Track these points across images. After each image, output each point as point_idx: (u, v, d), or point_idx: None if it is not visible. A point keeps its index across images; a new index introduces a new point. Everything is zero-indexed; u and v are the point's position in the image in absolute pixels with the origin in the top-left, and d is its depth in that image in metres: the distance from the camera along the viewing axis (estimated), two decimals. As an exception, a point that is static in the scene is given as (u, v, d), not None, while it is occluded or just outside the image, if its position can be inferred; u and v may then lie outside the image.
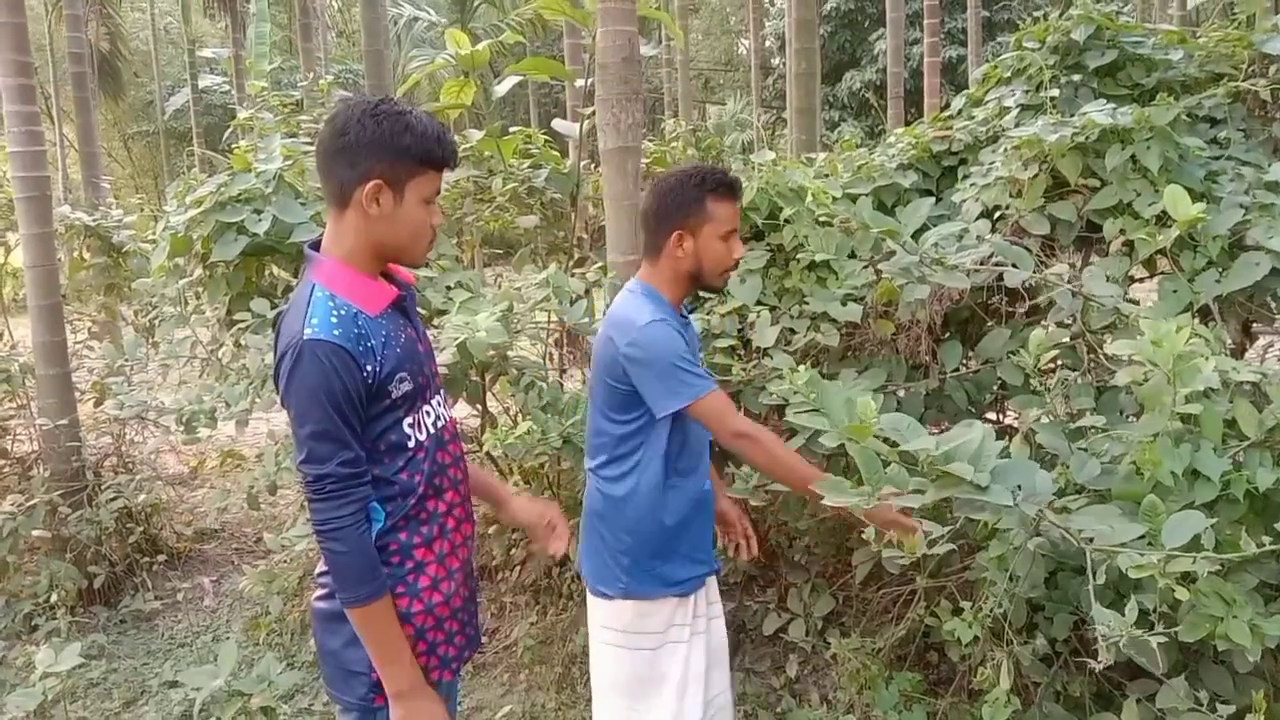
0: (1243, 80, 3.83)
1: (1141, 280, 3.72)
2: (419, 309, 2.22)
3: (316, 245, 1.95)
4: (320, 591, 2.00)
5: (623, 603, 2.55)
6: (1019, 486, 2.05)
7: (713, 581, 2.68)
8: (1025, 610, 2.70)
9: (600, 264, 4.19)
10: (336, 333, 1.78)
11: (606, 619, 2.60)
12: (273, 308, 4.06)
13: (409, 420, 1.93)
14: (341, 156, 1.83)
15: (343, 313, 1.81)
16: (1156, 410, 2.20)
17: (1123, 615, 1.80)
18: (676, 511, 2.53)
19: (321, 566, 1.96)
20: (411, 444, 1.94)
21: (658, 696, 2.56)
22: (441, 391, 2.14)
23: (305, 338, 1.76)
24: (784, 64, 20.50)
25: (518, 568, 4.21)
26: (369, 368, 1.82)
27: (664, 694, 2.55)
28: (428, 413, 2.00)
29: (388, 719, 1.92)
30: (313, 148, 4.96)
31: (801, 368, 2.70)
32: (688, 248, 2.48)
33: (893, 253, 3.13)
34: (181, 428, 4.12)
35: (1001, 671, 2.55)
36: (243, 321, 3.98)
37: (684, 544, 2.56)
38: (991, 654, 2.67)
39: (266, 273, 4.43)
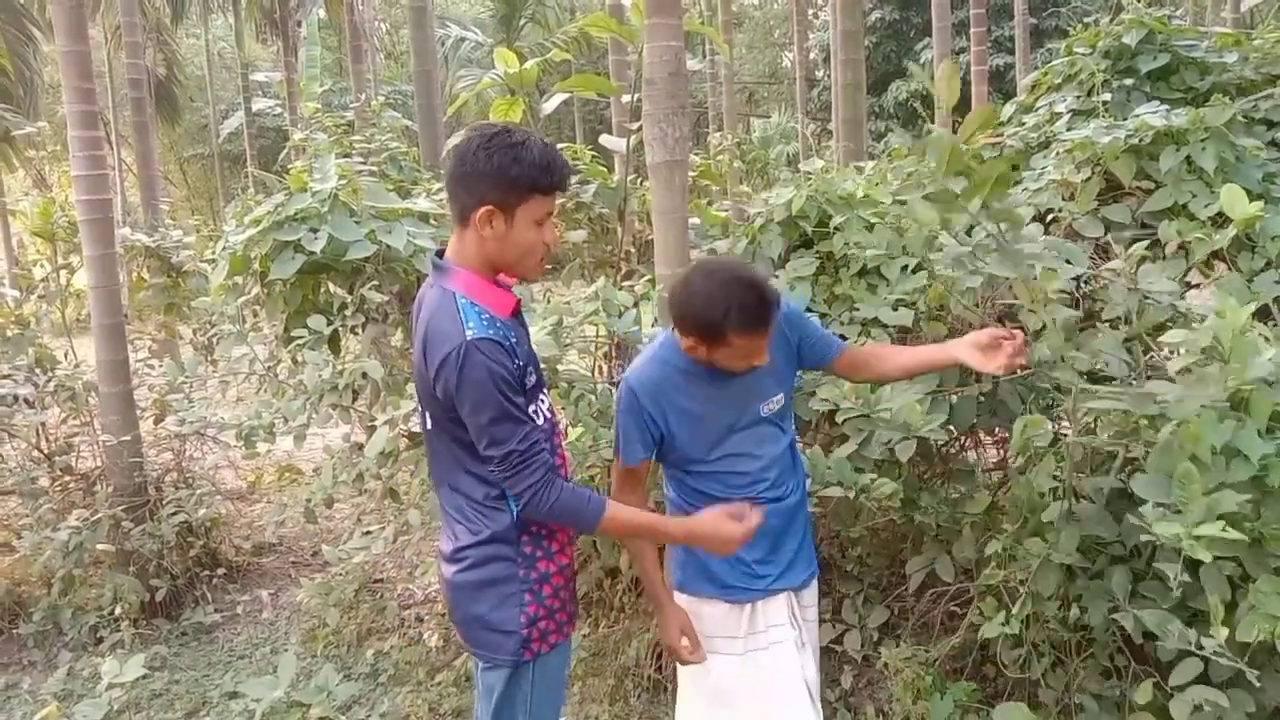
0: (1300, 81, 3.77)
1: (1195, 287, 3.66)
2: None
3: (439, 255, 2.24)
4: (458, 565, 2.24)
5: (679, 595, 2.56)
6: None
7: (781, 603, 2.53)
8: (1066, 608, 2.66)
9: (648, 277, 4.21)
10: (491, 332, 2.06)
11: None
12: (329, 324, 4.13)
13: (532, 408, 2.18)
14: (462, 184, 2.12)
15: (487, 316, 2.09)
16: (1209, 382, 2.15)
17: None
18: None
19: (460, 541, 2.22)
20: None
21: (700, 697, 2.55)
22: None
23: (469, 339, 2.02)
24: (828, 76, 20.46)
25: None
26: (516, 361, 2.10)
27: (703, 697, 2.53)
28: (542, 401, 2.26)
29: (533, 672, 2.24)
30: (366, 168, 5.07)
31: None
32: None
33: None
34: (241, 443, 4.20)
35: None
36: (300, 338, 4.05)
37: None
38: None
39: (323, 290, 4.51)
